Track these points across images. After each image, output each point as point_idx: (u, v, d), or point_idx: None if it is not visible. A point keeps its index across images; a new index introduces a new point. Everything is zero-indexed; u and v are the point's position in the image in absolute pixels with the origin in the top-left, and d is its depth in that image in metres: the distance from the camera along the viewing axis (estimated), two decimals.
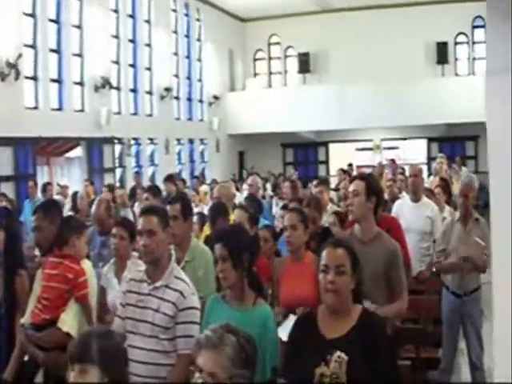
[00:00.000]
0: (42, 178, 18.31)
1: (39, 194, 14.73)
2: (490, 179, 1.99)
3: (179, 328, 4.53)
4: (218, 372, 2.99)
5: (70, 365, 3.28)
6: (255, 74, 31.84)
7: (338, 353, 3.80)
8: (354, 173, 20.22)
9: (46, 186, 15.03)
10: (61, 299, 5.26)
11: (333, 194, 13.24)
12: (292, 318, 5.10)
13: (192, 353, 3.16)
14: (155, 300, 4.57)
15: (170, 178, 15.74)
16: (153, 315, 4.54)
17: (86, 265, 5.59)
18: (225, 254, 4.42)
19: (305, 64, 29.90)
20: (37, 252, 7.62)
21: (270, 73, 31.75)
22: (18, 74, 17.01)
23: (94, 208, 7.73)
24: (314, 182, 12.64)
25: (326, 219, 7.92)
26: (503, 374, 2.00)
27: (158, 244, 4.64)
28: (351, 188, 5.61)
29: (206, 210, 10.48)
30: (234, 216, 6.63)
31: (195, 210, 9.77)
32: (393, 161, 20.91)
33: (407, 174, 9.53)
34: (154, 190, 8.96)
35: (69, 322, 5.20)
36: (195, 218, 7.99)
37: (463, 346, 7.29)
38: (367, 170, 18.96)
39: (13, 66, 16.82)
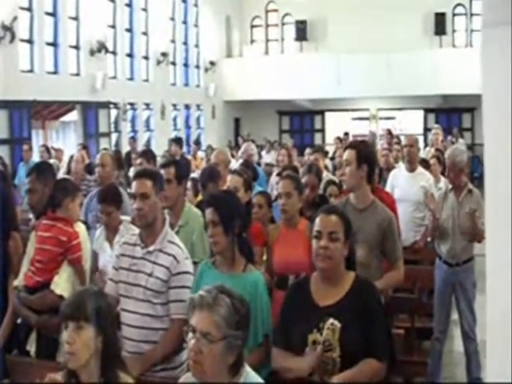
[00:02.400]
0: (37, 141, 18.26)
1: (34, 158, 14.67)
2: (485, 149, 1.96)
3: (172, 292, 4.52)
4: (212, 332, 2.99)
5: (63, 323, 3.31)
6: (252, 41, 31.68)
7: (331, 320, 3.82)
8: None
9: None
10: (54, 262, 5.24)
11: (328, 163, 13.22)
12: None
13: (185, 316, 3.15)
14: (148, 264, 4.56)
15: (176, 141, 15.73)
16: (146, 279, 4.53)
17: (80, 228, 5.56)
18: (216, 219, 4.38)
19: (302, 32, 29.71)
20: (31, 215, 7.61)
21: (267, 40, 31.55)
22: (13, 36, 16.90)
23: (98, 169, 7.68)
24: (309, 150, 12.61)
25: (322, 187, 7.89)
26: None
27: (151, 207, 4.60)
28: (344, 157, 5.63)
29: None
30: (229, 181, 6.59)
31: (191, 175, 9.73)
32: (388, 131, 20.84)
33: (403, 144, 9.48)
34: (148, 154, 8.91)
35: (62, 284, 5.19)
36: (189, 184, 7.94)
37: (456, 317, 7.31)
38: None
39: (8, 28, 16.70)
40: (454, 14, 28.53)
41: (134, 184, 4.71)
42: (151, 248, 4.59)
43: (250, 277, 4.40)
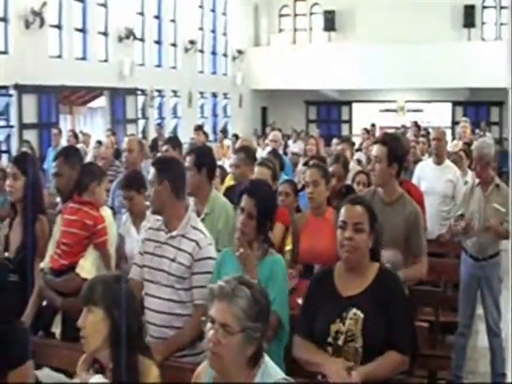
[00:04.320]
0: (64, 126, 18.36)
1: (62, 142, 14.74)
2: (510, 144, 1.94)
3: (195, 278, 4.53)
4: (231, 323, 2.98)
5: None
6: (280, 30, 31.56)
7: (354, 310, 3.81)
8: (377, 133, 20.12)
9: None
10: (80, 245, 5.27)
11: (361, 156, 13.16)
12: None
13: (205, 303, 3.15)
14: (172, 249, 4.57)
15: (199, 128, 15.74)
16: (169, 264, 4.54)
17: (106, 212, 5.58)
18: (253, 213, 4.38)
19: (330, 22, 29.58)
20: (58, 199, 7.64)
21: (295, 29, 31.44)
22: (42, 22, 16.99)
23: (125, 154, 7.70)
24: (337, 140, 12.60)
25: (351, 177, 7.86)
26: None
27: (154, 196, 4.67)
28: (373, 153, 5.55)
29: (227, 164, 10.47)
30: (256, 173, 6.58)
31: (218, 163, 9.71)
32: (415, 123, 20.75)
33: (431, 137, 9.42)
34: (173, 141, 8.91)
35: (87, 268, 5.21)
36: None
37: (481, 311, 7.26)
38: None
39: (37, 14, 16.79)
40: (483, 7, 28.24)
41: None
42: (174, 233, 4.60)
43: (271, 259, 4.40)
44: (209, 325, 3.03)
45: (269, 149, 9.69)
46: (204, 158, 5.84)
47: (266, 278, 4.21)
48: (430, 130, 16.92)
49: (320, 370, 3.79)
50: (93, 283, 3.41)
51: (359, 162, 11.39)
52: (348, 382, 3.63)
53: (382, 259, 4.16)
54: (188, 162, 5.77)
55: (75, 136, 14.96)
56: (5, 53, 16.51)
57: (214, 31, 27.19)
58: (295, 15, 31.41)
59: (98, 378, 3.30)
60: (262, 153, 11.40)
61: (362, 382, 3.67)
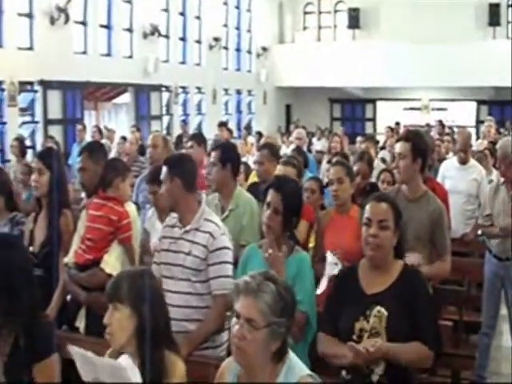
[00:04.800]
0: (89, 122, 18.46)
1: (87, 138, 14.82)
2: None
3: (212, 270, 4.55)
4: (256, 318, 2.98)
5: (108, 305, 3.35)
6: (304, 28, 31.52)
7: (378, 308, 3.79)
8: (401, 132, 20.04)
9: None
10: (104, 240, 5.28)
11: (385, 154, 13.11)
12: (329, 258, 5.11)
13: (229, 294, 3.15)
14: (186, 243, 4.61)
15: (222, 124, 15.73)
16: (184, 258, 4.58)
17: (130, 207, 5.59)
18: (280, 209, 4.39)
19: (355, 20, 29.49)
20: (82, 194, 7.68)
21: (320, 27, 31.36)
22: (67, 18, 17.12)
23: (150, 150, 7.73)
24: (361, 138, 12.59)
25: (376, 175, 7.85)
26: None
27: (165, 193, 4.72)
28: (397, 150, 5.55)
29: (251, 161, 10.47)
30: (281, 172, 6.59)
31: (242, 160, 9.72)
32: (440, 122, 20.67)
33: (455, 135, 9.40)
34: (198, 138, 8.93)
35: (111, 263, 5.22)
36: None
37: (505, 311, 7.21)
38: None
39: (62, 10, 16.91)
40: (508, 5, 27.98)
41: None
42: (188, 227, 4.64)
43: (297, 257, 4.41)
44: (234, 320, 3.04)
45: (293, 146, 9.67)
46: (229, 154, 5.86)
47: (293, 276, 4.20)
48: (455, 129, 16.86)
49: (344, 361, 3.78)
50: (118, 280, 3.40)
51: (384, 160, 11.36)
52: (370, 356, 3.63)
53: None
54: (213, 157, 5.82)
55: (99, 132, 15.01)
56: (30, 49, 16.64)
57: (238, 28, 27.23)
58: (320, 13, 31.32)
59: (126, 358, 3.28)
60: (286, 150, 11.37)
61: (387, 362, 3.68)
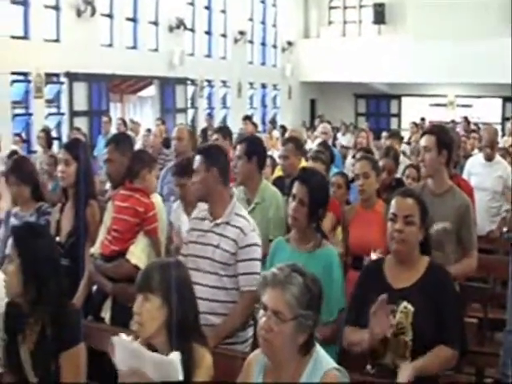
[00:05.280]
0: (114, 114, 18.54)
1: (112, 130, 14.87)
2: None
3: (240, 265, 4.54)
4: (283, 310, 2.98)
5: (136, 294, 3.35)
6: (330, 23, 31.39)
7: (405, 303, 3.79)
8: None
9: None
10: (130, 232, 5.28)
11: (405, 148, 13.10)
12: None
13: (257, 290, 3.15)
14: (216, 236, 4.60)
15: (247, 118, 15.73)
16: (213, 251, 4.57)
17: (157, 199, 5.59)
18: (305, 200, 4.39)
19: (380, 15, 29.29)
20: (107, 186, 7.70)
21: (345, 22, 31.22)
22: (93, 11, 17.18)
23: (175, 142, 7.75)
24: (386, 134, 12.55)
25: (401, 171, 7.82)
26: None
27: (199, 183, 4.66)
28: (422, 143, 5.50)
29: (276, 155, 10.47)
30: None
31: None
32: (465, 118, 20.57)
33: (481, 132, 9.34)
34: (224, 131, 8.94)
35: (137, 254, 5.22)
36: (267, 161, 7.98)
37: None
38: None
39: (89, 2, 16.99)
40: None
41: None
42: (218, 221, 4.62)
43: (325, 252, 4.41)
44: (261, 312, 3.04)
45: (318, 141, 9.65)
46: (255, 147, 5.86)
47: (321, 271, 4.13)
48: (480, 126, 16.75)
49: (362, 347, 3.77)
50: (149, 270, 3.40)
51: (403, 153, 11.29)
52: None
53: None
54: (239, 150, 5.82)
55: (124, 124, 15.05)
56: (57, 41, 16.74)
57: (263, 22, 27.20)
58: (345, 7, 31.16)
59: (176, 355, 3.27)
60: (311, 145, 11.37)
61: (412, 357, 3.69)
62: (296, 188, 4.47)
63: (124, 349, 3.19)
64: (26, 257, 3.59)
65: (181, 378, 3.13)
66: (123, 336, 3.24)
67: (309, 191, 4.40)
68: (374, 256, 5.14)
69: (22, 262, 3.58)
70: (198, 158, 4.73)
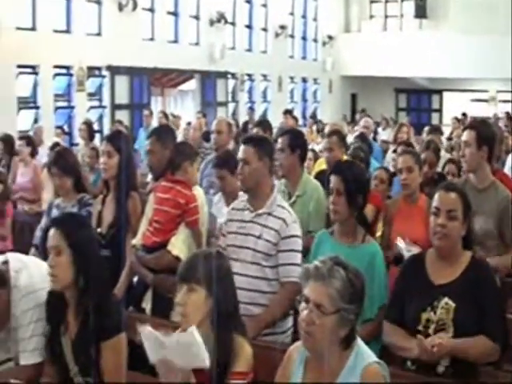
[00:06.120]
0: (155, 108, 18.64)
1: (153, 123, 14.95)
2: None
3: (281, 256, 4.54)
4: (325, 303, 2.97)
5: (178, 285, 3.35)
6: (371, 17, 31.24)
7: (446, 299, 3.75)
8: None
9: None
10: (172, 223, 5.30)
11: (445, 143, 13.00)
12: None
13: (298, 281, 3.15)
14: (258, 227, 4.59)
15: (287, 112, 15.71)
16: (255, 241, 4.56)
17: (198, 191, 5.61)
18: (341, 189, 4.40)
19: (422, 9, 29.10)
20: (148, 179, 7.74)
21: (386, 16, 31.02)
22: (135, 4, 17.29)
23: (214, 135, 7.77)
24: (427, 129, 12.47)
25: (441, 166, 7.77)
26: None
27: (251, 173, 4.63)
28: (463, 138, 5.45)
29: (317, 148, 10.46)
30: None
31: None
32: (507, 114, 20.32)
33: None
34: (264, 124, 8.95)
35: (178, 245, 5.25)
36: (310, 154, 7.98)
37: None
38: None
39: None
40: None
41: (240, 149, 4.78)
42: (260, 211, 4.62)
43: (368, 247, 4.40)
44: (303, 304, 3.03)
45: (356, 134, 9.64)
46: (297, 140, 5.87)
47: (364, 268, 4.05)
48: None
49: (410, 355, 3.75)
50: (194, 261, 3.39)
51: (446, 150, 11.20)
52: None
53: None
54: (281, 143, 5.82)
55: (166, 117, 15.12)
56: (98, 35, 16.87)
57: (304, 16, 27.17)
58: (386, 2, 30.96)
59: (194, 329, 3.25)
60: (351, 139, 11.30)
61: (452, 358, 3.66)
62: (332, 180, 4.49)
63: (149, 339, 3.19)
64: (77, 247, 3.59)
65: (203, 349, 3.11)
66: (146, 327, 3.23)
67: (343, 179, 4.41)
68: (400, 244, 5.11)
69: (72, 252, 3.58)
70: (247, 148, 4.69)
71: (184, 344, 3.11)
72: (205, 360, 3.12)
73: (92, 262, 3.63)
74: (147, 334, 3.18)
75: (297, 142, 5.82)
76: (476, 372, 3.84)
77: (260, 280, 4.56)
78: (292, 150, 5.75)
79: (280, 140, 5.87)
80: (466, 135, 5.38)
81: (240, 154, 4.72)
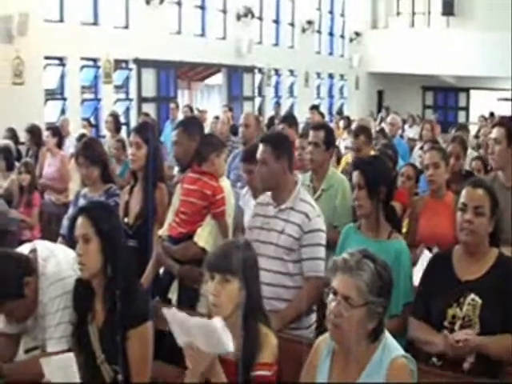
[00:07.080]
0: (182, 101, 18.68)
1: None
2: None
3: (305, 251, 4.54)
4: (353, 296, 2.97)
5: (208, 275, 3.35)
6: (398, 13, 31.13)
7: (472, 295, 3.73)
8: None
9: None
10: (198, 214, 5.30)
11: (472, 141, 12.94)
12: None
13: (325, 275, 3.15)
14: (280, 222, 4.59)
15: (314, 108, 15.69)
16: (277, 237, 4.57)
17: (225, 183, 5.59)
18: (361, 182, 4.41)
19: (449, 6, 28.96)
20: (175, 171, 7.75)
21: (413, 13, 30.89)
22: None
23: (242, 129, 7.77)
24: (453, 127, 12.45)
25: (468, 163, 7.74)
26: None
27: (269, 173, 4.64)
28: (492, 135, 5.41)
29: (342, 145, 10.45)
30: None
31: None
32: None
33: None
34: (289, 119, 8.93)
35: (205, 237, 5.25)
36: None
37: None
38: None
39: None
40: None
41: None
42: (283, 206, 4.62)
43: (395, 244, 4.38)
44: (331, 296, 3.03)
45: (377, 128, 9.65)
46: (332, 137, 5.89)
47: (390, 263, 4.06)
48: None
49: (435, 349, 3.74)
50: (226, 251, 3.40)
51: (473, 148, 11.16)
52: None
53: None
54: (315, 137, 5.83)
55: (191, 111, 15.15)
56: (126, 27, 16.92)
57: (331, 12, 27.14)
58: None
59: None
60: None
61: (477, 355, 3.65)
62: (353, 176, 4.52)
63: (174, 321, 3.19)
64: (105, 235, 3.61)
65: (226, 336, 3.10)
66: (172, 309, 3.23)
67: (362, 173, 4.43)
68: (426, 255, 5.07)
69: (100, 240, 3.60)
70: (264, 147, 4.68)
71: (207, 329, 3.10)
72: (228, 347, 3.11)
73: (120, 250, 3.65)
74: (172, 315, 3.19)
75: (331, 139, 5.86)
76: (501, 370, 3.81)
77: (283, 275, 4.56)
78: (327, 147, 5.78)
79: (314, 134, 5.86)
80: (495, 132, 5.34)
81: (258, 154, 4.72)
